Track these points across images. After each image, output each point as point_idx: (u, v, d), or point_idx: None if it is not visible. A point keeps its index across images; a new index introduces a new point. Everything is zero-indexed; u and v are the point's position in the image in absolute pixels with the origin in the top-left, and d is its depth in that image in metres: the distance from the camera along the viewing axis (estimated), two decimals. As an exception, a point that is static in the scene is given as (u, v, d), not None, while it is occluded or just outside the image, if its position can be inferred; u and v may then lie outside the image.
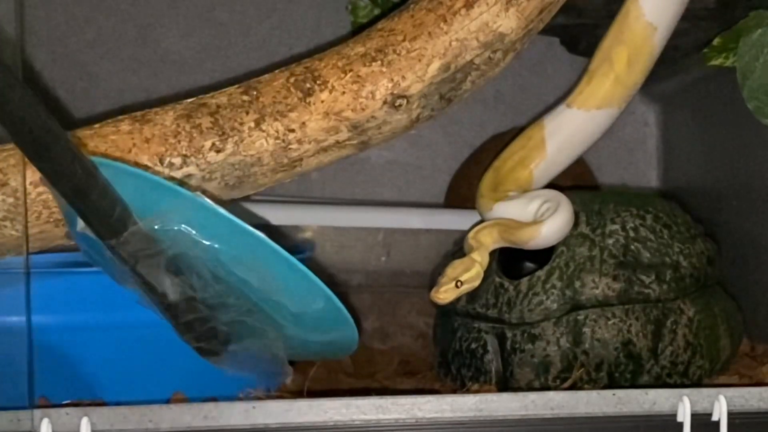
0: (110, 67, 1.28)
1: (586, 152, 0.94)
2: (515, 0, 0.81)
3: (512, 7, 0.81)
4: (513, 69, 0.95)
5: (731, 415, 0.72)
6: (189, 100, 0.79)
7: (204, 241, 0.66)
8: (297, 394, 0.82)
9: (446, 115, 0.96)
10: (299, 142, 0.78)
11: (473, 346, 0.89)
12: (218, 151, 0.77)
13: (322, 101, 0.78)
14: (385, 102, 0.79)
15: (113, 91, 1.27)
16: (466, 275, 0.83)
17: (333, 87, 0.79)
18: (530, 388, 0.84)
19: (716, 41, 0.89)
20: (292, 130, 0.78)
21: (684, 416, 0.71)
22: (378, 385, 0.96)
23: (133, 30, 1.28)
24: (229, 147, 0.77)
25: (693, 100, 1.20)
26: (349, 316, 0.70)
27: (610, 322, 0.84)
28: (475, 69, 0.81)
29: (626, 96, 0.91)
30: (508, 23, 0.81)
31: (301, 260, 0.97)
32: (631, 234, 0.87)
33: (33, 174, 0.72)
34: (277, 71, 0.80)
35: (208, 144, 0.77)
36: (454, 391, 0.89)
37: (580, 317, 0.84)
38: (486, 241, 0.86)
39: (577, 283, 0.85)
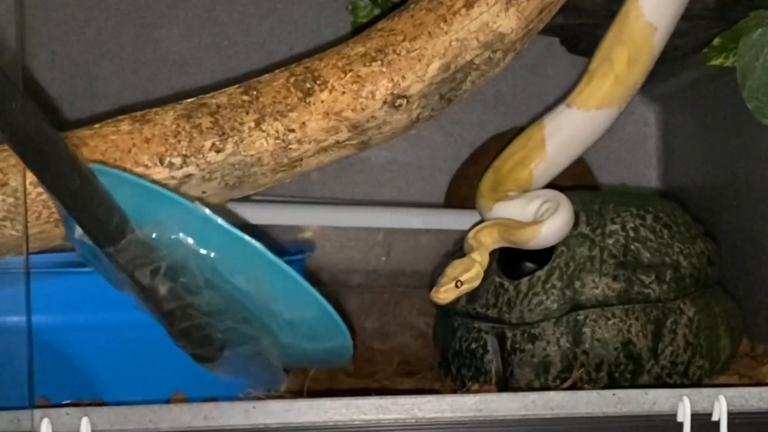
0: (110, 67, 1.28)
1: (586, 152, 0.94)
2: (515, 0, 0.81)
3: (512, 7, 0.81)
4: (513, 69, 0.95)
5: (731, 415, 0.72)
6: (189, 100, 0.79)
7: (201, 250, 0.67)
8: (297, 394, 0.82)
9: (446, 115, 0.96)
10: (299, 142, 0.78)
11: (473, 346, 0.89)
12: (218, 151, 0.77)
13: (322, 101, 0.78)
14: (385, 102, 0.79)
15: (113, 91, 1.27)
16: (466, 275, 0.83)
17: (333, 87, 0.79)
18: (530, 388, 0.84)
19: (716, 41, 0.89)
20: (292, 130, 0.78)
21: (684, 416, 0.71)
22: (378, 385, 0.96)
23: (133, 30, 1.28)
24: (229, 147, 0.77)
25: (693, 100, 1.20)
26: (344, 325, 0.70)
27: (610, 322, 0.84)
28: (475, 69, 0.81)
29: (626, 96, 0.91)
30: (508, 23, 0.81)
31: (301, 260, 0.98)
32: (631, 234, 0.87)
33: (33, 174, 0.72)
34: (277, 71, 0.80)
35: (208, 144, 0.77)
36: (454, 391, 0.89)
37: (580, 317, 0.84)
38: (486, 241, 0.86)
39: (577, 283, 0.85)
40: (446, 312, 0.93)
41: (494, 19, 0.80)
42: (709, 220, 1.00)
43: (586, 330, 0.84)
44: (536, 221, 0.86)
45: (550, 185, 0.92)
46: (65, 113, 1.25)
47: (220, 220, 0.67)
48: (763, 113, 0.83)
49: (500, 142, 1.06)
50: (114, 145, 0.76)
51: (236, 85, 0.80)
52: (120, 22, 1.28)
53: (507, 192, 0.90)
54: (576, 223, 0.87)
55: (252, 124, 0.77)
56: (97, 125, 0.78)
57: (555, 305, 0.85)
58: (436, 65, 0.80)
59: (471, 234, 0.87)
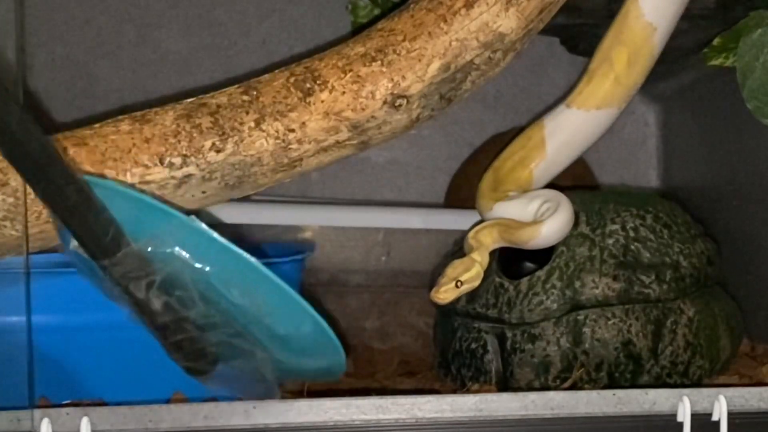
0: (110, 67, 1.28)
1: (586, 152, 0.94)
2: (515, 0, 0.81)
3: (512, 7, 0.81)
4: (513, 69, 0.95)
5: (731, 415, 0.72)
6: (189, 100, 0.79)
7: (196, 264, 0.67)
8: (297, 394, 0.82)
9: (446, 115, 0.96)
10: (299, 142, 0.78)
11: (473, 346, 0.89)
12: (218, 151, 0.77)
13: (322, 101, 0.78)
14: (385, 102, 0.79)
15: (113, 91, 1.27)
16: (466, 275, 0.83)
17: (333, 87, 0.78)
18: (530, 388, 0.84)
19: (716, 41, 0.89)
20: (292, 130, 0.78)
21: (684, 416, 0.71)
22: (378, 385, 0.96)
23: (133, 30, 1.28)
24: (229, 147, 0.77)
25: (693, 100, 1.20)
26: (338, 342, 0.70)
27: (610, 322, 0.84)
28: (475, 69, 0.81)
29: (626, 96, 0.91)
30: (508, 23, 0.81)
31: (301, 260, 0.98)
32: (631, 234, 0.87)
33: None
34: (277, 71, 0.80)
35: (208, 144, 0.77)
36: (454, 391, 0.89)
37: (580, 317, 0.84)
38: (486, 241, 0.86)
39: (577, 283, 0.85)
40: (446, 312, 0.93)
41: (494, 19, 0.80)
42: (709, 220, 1.00)
43: (586, 330, 0.84)
44: (536, 221, 0.86)
45: (550, 185, 0.92)
46: (65, 113, 1.25)
47: (215, 235, 0.67)
48: (763, 113, 0.83)
49: (500, 142, 1.06)
50: (114, 145, 0.76)
51: (236, 85, 0.80)
52: (120, 22, 1.28)
53: (507, 192, 0.90)
54: (576, 223, 0.87)
55: (252, 124, 0.77)
56: (97, 125, 0.78)
57: (555, 305, 0.85)
58: (436, 65, 0.80)
59: (471, 234, 0.87)
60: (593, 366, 0.84)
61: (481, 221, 0.90)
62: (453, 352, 0.91)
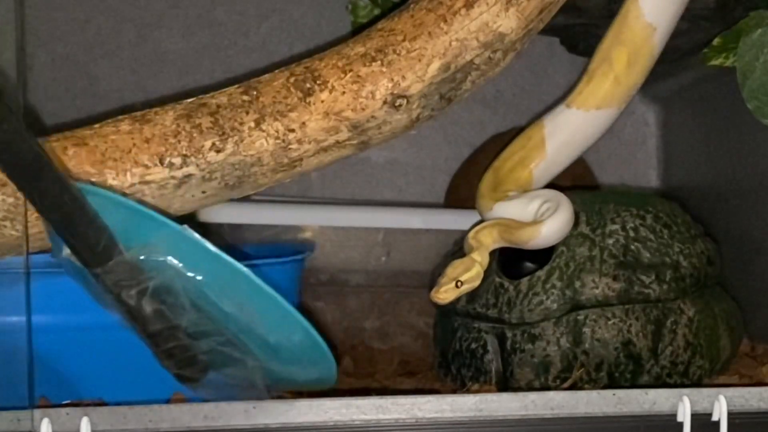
0: (110, 67, 1.28)
1: (586, 152, 0.94)
2: (515, 0, 0.81)
3: (512, 7, 0.81)
4: (513, 69, 0.95)
5: (731, 415, 0.72)
6: (189, 100, 0.79)
7: (188, 273, 0.67)
8: (297, 394, 0.82)
9: (446, 115, 0.96)
10: (299, 142, 0.78)
11: (473, 346, 0.89)
12: (218, 151, 0.77)
13: (322, 101, 0.78)
14: (385, 102, 0.79)
15: (113, 91, 1.27)
16: (466, 275, 0.83)
17: (333, 87, 0.78)
18: (530, 388, 0.84)
19: (716, 41, 0.89)
20: (292, 130, 0.78)
21: (684, 416, 0.71)
22: (378, 385, 0.96)
23: (133, 30, 1.28)
24: (229, 147, 0.77)
25: (693, 100, 1.20)
26: (329, 352, 0.71)
27: (610, 322, 0.84)
28: (475, 69, 0.81)
29: (626, 96, 0.91)
30: (508, 23, 0.81)
31: (301, 260, 0.98)
32: (631, 234, 0.87)
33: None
34: (277, 71, 0.80)
35: (208, 144, 0.77)
36: (454, 391, 0.89)
37: (580, 317, 0.84)
38: (486, 241, 0.86)
39: (577, 283, 0.85)
40: (446, 312, 0.93)
41: (494, 19, 0.80)
42: (709, 220, 1.00)
43: (586, 330, 0.84)
44: (536, 221, 0.86)
45: (550, 185, 0.92)
46: (65, 113, 1.25)
47: (208, 244, 0.67)
48: (763, 113, 0.83)
49: (500, 142, 1.06)
50: (114, 145, 0.76)
51: (236, 85, 0.80)
52: (120, 22, 1.28)
53: (507, 192, 0.90)
54: (576, 223, 0.87)
55: (252, 124, 0.77)
56: (97, 125, 0.78)
57: (555, 305, 0.85)
58: (436, 65, 0.80)
59: (471, 234, 0.87)
60: (593, 366, 0.84)
61: (481, 221, 0.90)
62: (453, 352, 0.91)
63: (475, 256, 0.85)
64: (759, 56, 0.83)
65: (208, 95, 0.79)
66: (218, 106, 0.78)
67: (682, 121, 1.26)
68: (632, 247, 0.86)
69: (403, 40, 0.80)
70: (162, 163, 0.76)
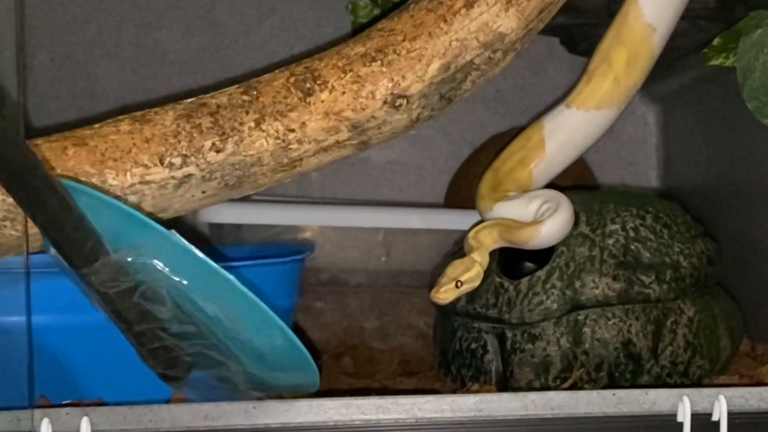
0: (110, 67, 1.28)
1: (586, 152, 0.94)
2: (515, 0, 0.81)
3: (512, 7, 0.81)
4: (513, 69, 0.95)
5: (731, 415, 0.72)
6: (189, 100, 0.79)
7: (174, 277, 0.68)
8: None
9: (446, 115, 0.96)
10: (299, 142, 0.78)
11: (473, 346, 0.89)
12: (218, 151, 0.77)
13: (322, 101, 0.78)
14: (385, 102, 0.79)
15: (113, 91, 1.27)
16: (466, 275, 0.83)
17: (333, 87, 0.78)
18: (530, 388, 0.84)
19: (716, 41, 0.89)
20: (292, 130, 0.78)
21: (684, 416, 0.71)
22: (378, 385, 0.96)
23: (133, 30, 1.28)
24: (229, 147, 0.77)
25: (693, 100, 1.20)
26: (311, 358, 0.71)
27: (610, 322, 0.84)
28: (475, 69, 0.81)
29: (625, 96, 0.91)
30: (508, 23, 0.81)
31: (301, 260, 0.98)
32: (631, 234, 0.87)
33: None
34: (277, 71, 0.80)
35: (208, 144, 0.77)
36: (454, 391, 0.89)
37: (580, 317, 0.84)
38: (486, 241, 0.86)
39: (577, 283, 0.85)
40: (446, 312, 0.93)
41: (494, 19, 0.80)
42: (709, 220, 1.00)
43: (586, 330, 0.84)
44: (536, 221, 0.86)
45: (550, 185, 0.92)
46: (65, 113, 1.25)
47: (194, 249, 0.67)
48: (763, 113, 0.83)
49: (500, 142, 1.06)
50: (114, 145, 0.76)
51: (236, 85, 0.80)
52: (120, 22, 1.28)
53: (507, 192, 0.90)
54: (576, 223, 0.87)
55: (252, 124, 0.77)
56: (97, 125, 0.78)
57: (555, 305, 0.85)
58: (436, 65, 0.80)
59: (471, 234, 0.87)
60: (593, 366, 0.84)
61: (481, 221, 0.90)
62: (453, 352, 0.91)
63: (475, 256, 0.85)
64: (759, 56, 0.83)
65: (208, 95, 0.79)
66: (218, 106, 0.78)
67: (682, 121, 1.26)
68: (632, 247, 0.86)
69: (403, 40, 0.80)
70: (162, 163, 0.76)
